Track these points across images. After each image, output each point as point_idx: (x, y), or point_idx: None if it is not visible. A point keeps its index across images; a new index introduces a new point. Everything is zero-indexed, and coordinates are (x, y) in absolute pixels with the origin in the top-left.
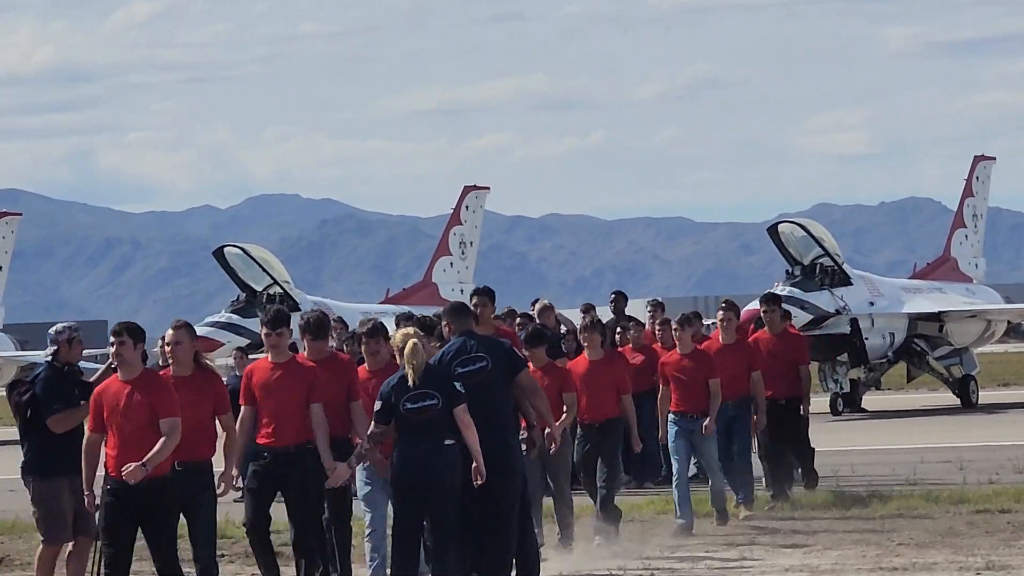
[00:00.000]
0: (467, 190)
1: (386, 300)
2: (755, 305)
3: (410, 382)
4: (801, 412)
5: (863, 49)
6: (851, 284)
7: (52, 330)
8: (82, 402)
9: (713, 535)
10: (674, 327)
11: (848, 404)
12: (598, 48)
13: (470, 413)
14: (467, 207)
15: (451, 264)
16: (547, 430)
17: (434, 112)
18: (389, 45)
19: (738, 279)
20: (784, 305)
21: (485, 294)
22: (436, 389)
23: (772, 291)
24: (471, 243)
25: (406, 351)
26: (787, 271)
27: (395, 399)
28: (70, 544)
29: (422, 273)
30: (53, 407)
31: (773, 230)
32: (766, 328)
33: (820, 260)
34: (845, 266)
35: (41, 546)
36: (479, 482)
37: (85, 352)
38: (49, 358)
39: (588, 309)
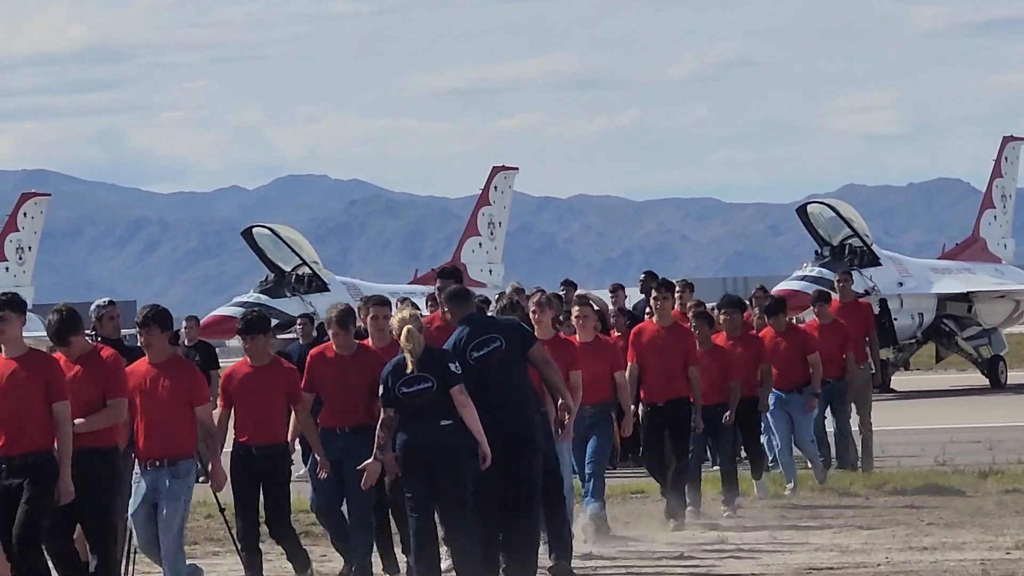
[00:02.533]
0: (495, 170)
1: (414, 281)
2: (786, 285)
3: (407, 367)
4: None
5: (893, 28)
6: (880, 265)
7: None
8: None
9: (740, 516)
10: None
11: (877, 384)
12: (629, 27)
13: (488, 394)
14: (495, 187)
15: (479, 245)
16: (560, 401)
17: (464, 91)
18: (419, 24)
19: (767, 260)
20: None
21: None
22: (431, 372)
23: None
24: (499, 224)
25: (402, 337)
26: (816, 252)
27: (392, 383)
28: None
29: (451, 254)
30: None
31: (802, 211)
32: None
33: (849, 241)
34: (874, 247)
35: None
36: (484, 465)
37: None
38: (92, 332)
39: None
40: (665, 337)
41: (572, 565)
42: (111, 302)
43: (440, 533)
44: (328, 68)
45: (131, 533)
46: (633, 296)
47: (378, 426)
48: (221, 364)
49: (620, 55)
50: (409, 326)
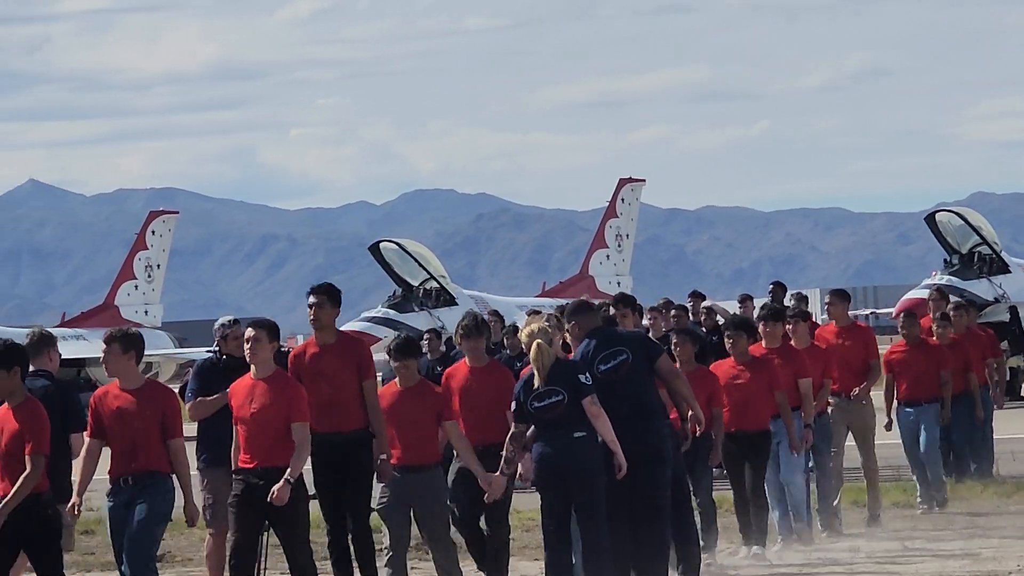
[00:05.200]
0: (622, 183)
1: (542, 294)
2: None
3: (536, 382)
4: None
5: None
6: (1009, 272)
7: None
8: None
9: (871, 526)
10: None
11: (1008, 392)
12: (761, 38)
13: (617, 406)
14: (623, 200)
15: (607, 257)
16: (690, 413)
17: (595, 104)
18: (551, 37)
19: (896, 269)
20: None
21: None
22: (561, 385)
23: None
24: (627, 236)
25: (531, 353)
26: (945, 260)
27: (524, 398)
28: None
29: (578, 266)
30: (187, 395)
31: (930, 219)
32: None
33: (978, 249)
34: (1003, 254)
35: (209, 538)
36: (620, 474)
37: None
38: (216, 349)
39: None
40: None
41: None
42: (235, 320)
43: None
44: (459, 82)
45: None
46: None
47: (507, 439)
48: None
49: (752, 66)
50: (538, 340)
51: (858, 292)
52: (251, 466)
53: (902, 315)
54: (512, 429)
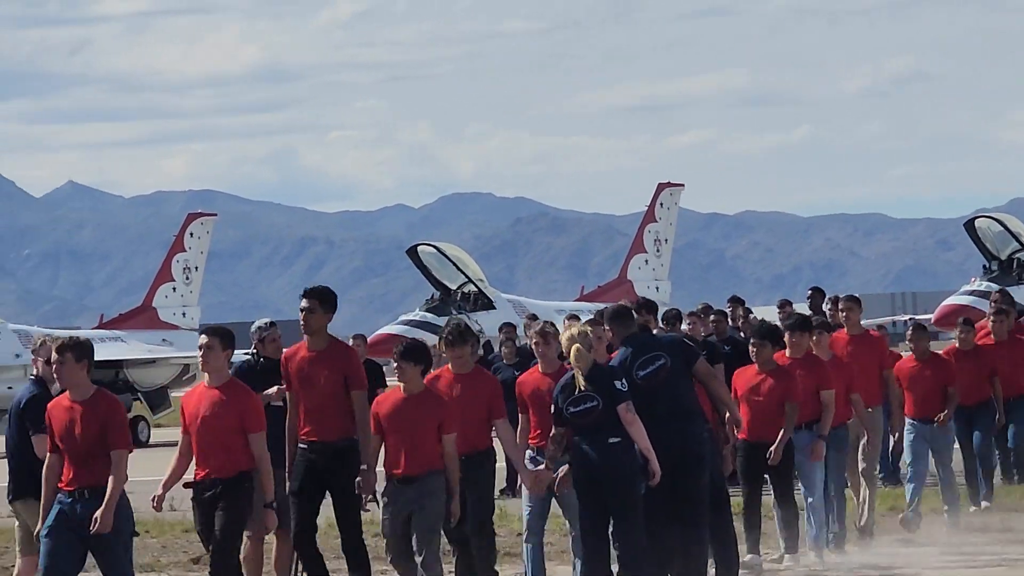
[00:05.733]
0: (661, 187)
1: (581, 298)
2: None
3: (577, 386)
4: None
5: None
6: None
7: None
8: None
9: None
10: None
11: None
12: (802, 42)
13: (656, 411)
14: (662, 204)
15: (646, 262)
16: (727, 416)
17: (635, 108)
18: (591, 41)
19: (936, 275)
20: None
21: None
22: (597, 391)
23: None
24: (666, 240)
25: (572, 356)
26: (984, 266)
27: (561, 402)
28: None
29: (617, 271)
30: None
31: (969, 225)
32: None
33: (1017, 255)
34: None
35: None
36: (654, 481)
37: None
38: (254, 351)
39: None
40: None
41: None
42: (272, 323)
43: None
44: (498, 85)
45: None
46: (802, 312)
47: (548, 440)
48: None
49: (793, 71)
50: (578, 344)
51: (897, 298)
52: (201, 476)
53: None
54: (552, 431)
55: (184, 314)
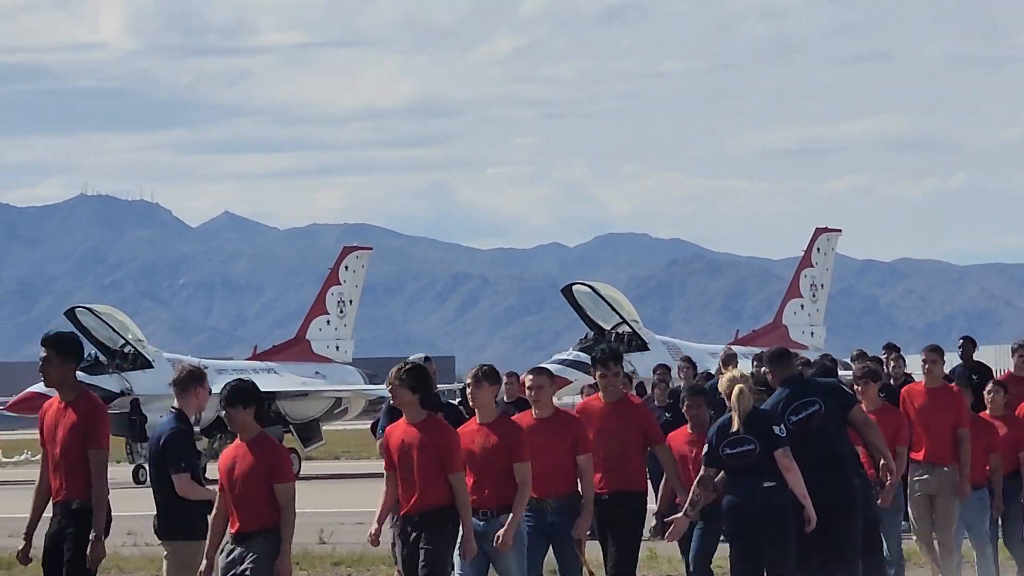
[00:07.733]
0: (818, 232)
1: (735, 342)
2: None
3: (734, 427)
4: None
5: None
6: None
7: None
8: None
9: None
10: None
11: None
12: (960, 88)
13: (807, 456)
14: (818, 249)
15: (801, 307)
16: (883, 463)
17: (792, 152)
18: (749, 83)
19: None
20: None
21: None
22: (754, 434)
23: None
24: (821, 286)
25: (732, 397)
26: None
27: (716, 443)
28: None
29: (771, 315)
30: (378, 431)
31: None
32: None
33: None
34: None
35: None
36: (809, 528)
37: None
38: None
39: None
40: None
41: None
42: (427, 358)
43: None
44: (655, 125)
45: None
46: (951, 361)
47: (695, 482)
48: None
49: (951, 117)
50: (740, 385)
51: None
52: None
53: None
54: (701, 472)
55: (337, 347)
